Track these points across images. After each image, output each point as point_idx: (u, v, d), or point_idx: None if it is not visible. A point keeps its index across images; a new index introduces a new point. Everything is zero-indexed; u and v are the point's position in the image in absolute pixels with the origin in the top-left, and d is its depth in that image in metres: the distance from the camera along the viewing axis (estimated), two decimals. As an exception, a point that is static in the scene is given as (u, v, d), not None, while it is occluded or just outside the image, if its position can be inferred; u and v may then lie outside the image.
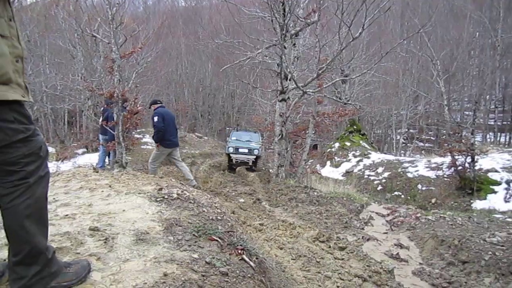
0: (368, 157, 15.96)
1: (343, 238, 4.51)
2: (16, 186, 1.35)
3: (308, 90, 9.07)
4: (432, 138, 29.81)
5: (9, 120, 1.31)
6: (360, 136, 19.09)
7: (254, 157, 13.10)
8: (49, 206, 2.61)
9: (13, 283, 1.38)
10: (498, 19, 25.80)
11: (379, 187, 12.86)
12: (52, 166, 7.22)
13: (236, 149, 13.20)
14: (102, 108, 8.56)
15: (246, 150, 13.20)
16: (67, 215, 2.39)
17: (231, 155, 13.14)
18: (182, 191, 3.25)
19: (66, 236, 2.00)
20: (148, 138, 15.71)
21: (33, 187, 1.40)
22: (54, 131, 18.53)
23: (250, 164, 13.01)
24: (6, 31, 1.33)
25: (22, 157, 1.36)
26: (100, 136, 8.96)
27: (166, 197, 3.00)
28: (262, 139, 15.69)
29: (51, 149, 13.27)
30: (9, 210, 1.35)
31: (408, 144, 26.35)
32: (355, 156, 16.63)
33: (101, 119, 8.88)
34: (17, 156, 1.35)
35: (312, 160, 17.60)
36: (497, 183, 10.22)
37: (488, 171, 10.73)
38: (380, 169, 13.99)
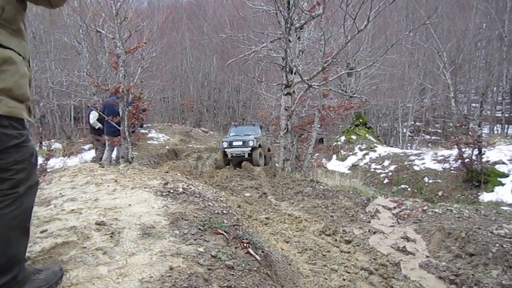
0: (374, 150, 15.88)
1: (349, 232, 4.50)
2: (5, 195, 1.30)
3: (313, 83, 9.03)
4: (438, 130, 29.59)
5: (4, 126, 1.27)
6: (366, 129, 18.99)
7: (250, 148, 11.83)
8: (55, 201, 2.65)
9: None
10: (505, 10, 25.30)
11: (386, 180, 12.81)
12: (59, 161, 7.29)
13: (230, 143, 12.24)
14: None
15: (241, 143, 12.05)
16: (73, 209, 2.40)
17: (225, 149, 12.20)
18: (187, 186, 3.26)
19: (73, 231, 2.01)
20: (154, 134, 15.77)
21: (22, 197, 1.35)
22: (60, 127, 18.71)
23: (246, 156, 11.78)
24: (27, 54, 1.37)
25: (14, 163, 1.32)
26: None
27: (171, 191, 3.01)
28: (268, 132, 15.57)
29: (58, 145, 13.38)
30: None
31: (415, 137, 26.18)
32: (361, 150, 16.56)
33: (91, 117, 8.71)
34: (9, 163, 1.30)
35: (318, 154, 17.55)
36: (505, 175, 10.13)
37: (495, 163, 10.64)
38: (386, 162, 13.93)
